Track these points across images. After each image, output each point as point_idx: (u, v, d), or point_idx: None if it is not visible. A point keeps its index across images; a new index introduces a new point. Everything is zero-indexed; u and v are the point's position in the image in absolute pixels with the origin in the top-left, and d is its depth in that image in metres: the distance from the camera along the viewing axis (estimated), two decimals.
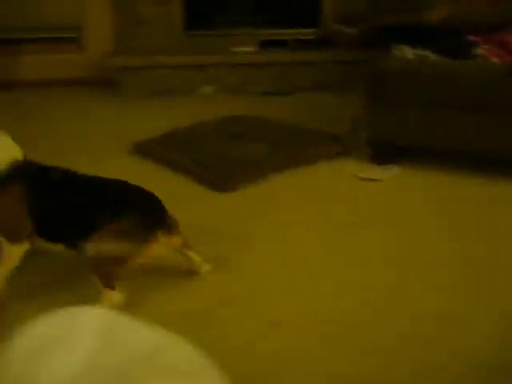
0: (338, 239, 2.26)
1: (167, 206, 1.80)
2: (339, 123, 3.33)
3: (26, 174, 1.70)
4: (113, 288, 1.63)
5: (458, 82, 2.66)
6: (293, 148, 2.97)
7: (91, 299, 1.61)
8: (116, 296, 1.63)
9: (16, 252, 1.67)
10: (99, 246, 1.59)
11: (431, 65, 2.81)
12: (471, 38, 2.96)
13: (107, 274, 1.62)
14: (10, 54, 4.52)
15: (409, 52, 2.92)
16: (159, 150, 2.96)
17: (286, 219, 2.39)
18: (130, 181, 1.80)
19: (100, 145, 3.25)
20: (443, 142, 2.81)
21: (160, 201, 1.78)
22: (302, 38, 4.44)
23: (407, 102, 2.80)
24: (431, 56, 2.88)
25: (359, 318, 1.76)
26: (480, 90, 2.62)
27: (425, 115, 2.79)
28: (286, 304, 1.83)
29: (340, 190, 2.71)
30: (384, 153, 3.01)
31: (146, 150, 3.01)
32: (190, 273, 1.93)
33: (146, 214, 1.71)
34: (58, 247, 1.80)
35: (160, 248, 1.68)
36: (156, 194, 1.81)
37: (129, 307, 1.61)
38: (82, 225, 1.68)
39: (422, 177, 2.83)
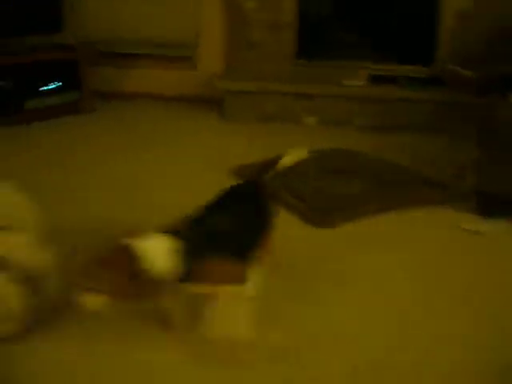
0: (431, 286, 2.18)
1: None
2: (444, 168, 3.23)
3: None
4: None
5: None
6: (397, 189, 2.91)
7: None
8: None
9: None
10: None
11: None
12: None
13: None
14: (122, 66, 4.85)
15: None
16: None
17: (382, 260, 2.35)
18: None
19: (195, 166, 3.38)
20: None
21: None
22: (414, 75, 4.37)
23: None
24: None
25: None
26: None
27: None
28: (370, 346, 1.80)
29: (439, 238, 2.62)
30: (490, 205, 2.87)
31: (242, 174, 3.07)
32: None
33: None
34: None
35: None
36: None
37: None
38: None
39: None
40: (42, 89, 4.21)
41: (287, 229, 2.56)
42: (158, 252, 1.51)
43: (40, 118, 4.10)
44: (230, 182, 2.10)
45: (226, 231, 1.69)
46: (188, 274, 1.56)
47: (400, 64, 4.51)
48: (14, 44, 4.07)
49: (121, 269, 1.48)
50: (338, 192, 2.81)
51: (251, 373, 1.63)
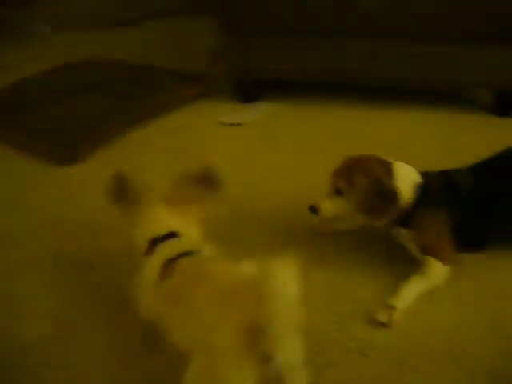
0: None
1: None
2: (197, 57, 2.96)
3: (433, 192, 1.59)
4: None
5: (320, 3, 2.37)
6: (145, 96, 2.57)
7: None
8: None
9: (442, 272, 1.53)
10: None
11: None
12: None
13: None
14: None
15: None
16: None
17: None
18: None
19: None
20: (312, 73, 2.57)
21: None
22: None
23: (267, 28, 2.49)
24: None
25: None
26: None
27: (287, 43, 2.51)
28: None
29: (204, 139, 2.42)
30: (247, 92, 2.74)
31: None
32: None
33: None
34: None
35: None
36: None
37: None
38: None
39: (295, 115, 2.62)
40: None
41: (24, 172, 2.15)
42: (407, 178, 1.55)
43: None
44: None
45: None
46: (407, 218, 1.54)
47: None
48: None
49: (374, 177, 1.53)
50: (81, 116, 2.39)
51: None
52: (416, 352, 1.30)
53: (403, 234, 1.59)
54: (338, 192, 1.60)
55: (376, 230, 1.68)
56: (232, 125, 2.51)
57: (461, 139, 2.28)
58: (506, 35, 2.26)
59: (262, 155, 2.25)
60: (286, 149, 2.30)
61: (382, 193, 1.51)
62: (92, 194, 1.98)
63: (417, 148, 2.24)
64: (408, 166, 1.60)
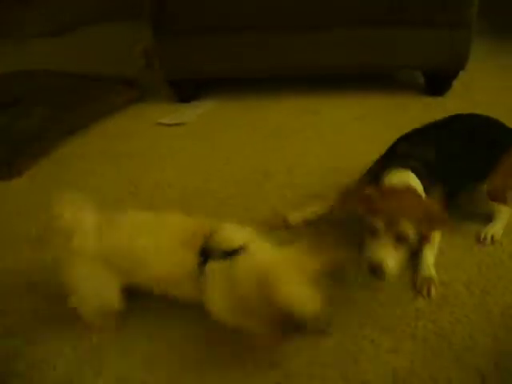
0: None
1: None
2: (133, 62, 2.92)
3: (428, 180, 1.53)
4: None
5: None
6: (82, 104, 2.50)
7: None
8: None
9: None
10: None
11: None
12: None
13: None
14: None
15: None
16: None
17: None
18: None
19: None
20: (246, 70, 2.58)
21: None
22: None
23: (195, 27, 2.46)
24: None
25: None
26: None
27: (219, 41, 2.50)
28: None
29: (145, 141, 2.38)
30: (184, 91, 2.71)
31: None
32: None
33: None
34: None
35: None
36: None
37: None
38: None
39: (230, 109, 2.62)
40: None
41: None
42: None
43: None
44: None
45: None
46: None
47: None
48: None
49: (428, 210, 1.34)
50: (16, 129, 2.29)
51: None
52: None
53: None
54: (400, 239, 1.33)
55: None
56: (172, 125, 2.47)
57: (398, 119, 2.36)
58: (439, 20, 2.35)
59: (205, 152, 2.25)
60: (226, 145, 2.30)
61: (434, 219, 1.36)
62: (32, 209, 1.90)
63: (357, 131, 2.30)
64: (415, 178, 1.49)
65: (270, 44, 2.49)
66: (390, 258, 1.31)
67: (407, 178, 1.46)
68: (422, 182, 1.48)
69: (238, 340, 1.25)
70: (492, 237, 1.60)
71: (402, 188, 1.40)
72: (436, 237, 1.54)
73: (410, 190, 1.41)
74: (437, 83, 2.61)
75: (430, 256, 1.51)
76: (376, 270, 1.30)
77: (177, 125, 2.48)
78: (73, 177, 2.11)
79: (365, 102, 2.58)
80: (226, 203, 1.87)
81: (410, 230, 1.31)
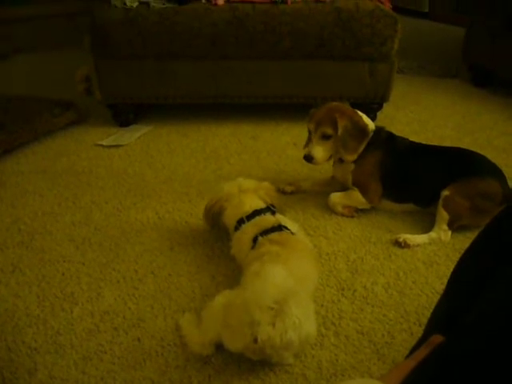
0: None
1: None
2: (71, 86, 2.94)
3: (383, 141, 1.93)
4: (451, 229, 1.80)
5: (187, 29, 2.48)
6: (16, 125, 2.50)
7: None
8: (448, 235, 1.80)
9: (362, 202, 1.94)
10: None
11: (156, 12, 2.54)
12: None
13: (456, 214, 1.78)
14: None
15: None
16: None
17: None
18: None
19: None
20: (181, 95, 2.67)
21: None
22: None
23: (134, 54, 2.55)
24: (157, 2, 2.61)
25: None
26: (210, 35, 2.50)
27: (157, 67, 2.59)
28: None
29: (82, 161, 2.40)
30: (124, 113, 2.77)
31: None
32: None
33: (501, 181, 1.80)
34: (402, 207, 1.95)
35: None
36: None
37: None
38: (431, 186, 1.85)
39: (169, 133, 2.70)
40: None
41: None
42: (369, 122, 2.00)
43: None
44: None
45: None
46: None
47: None
48: None
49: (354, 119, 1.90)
50: None
51: None
52: None
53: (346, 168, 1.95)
54: (325, 137, 1.87)
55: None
56: (111, 147, 2.52)
57: None
58: (356, 55, 2.56)
59: (144, 172, 2.30)
60: (166, 165, 2.37)
61: (358, 131, 1.85)
62: None
63: (292, 155, 2.44)
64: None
65: (205, 72, 2.61)
66: (317, 149, 1.88)
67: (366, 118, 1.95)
68: (373, 137, 1.91)
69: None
70: (404, 241, 1.76)
71: (336, 104, 1.91)
72: (357, 196, 1.93)
73: (340, 105, 1.91)
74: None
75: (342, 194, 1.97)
76: (308, 158, 1.89)
77: (115, 146, 2.52)
78: (10, 194, 2.12)
79: (300, 128, 2.72)
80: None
81: (328, 130, 1.85)
